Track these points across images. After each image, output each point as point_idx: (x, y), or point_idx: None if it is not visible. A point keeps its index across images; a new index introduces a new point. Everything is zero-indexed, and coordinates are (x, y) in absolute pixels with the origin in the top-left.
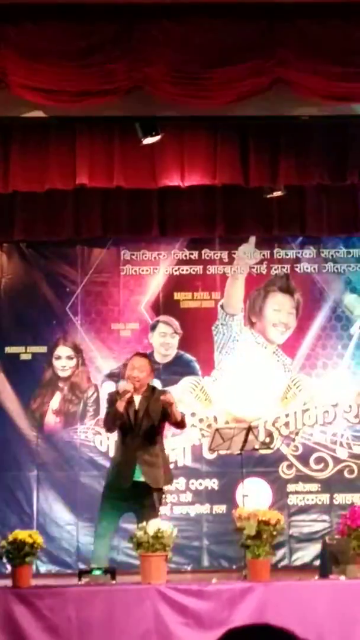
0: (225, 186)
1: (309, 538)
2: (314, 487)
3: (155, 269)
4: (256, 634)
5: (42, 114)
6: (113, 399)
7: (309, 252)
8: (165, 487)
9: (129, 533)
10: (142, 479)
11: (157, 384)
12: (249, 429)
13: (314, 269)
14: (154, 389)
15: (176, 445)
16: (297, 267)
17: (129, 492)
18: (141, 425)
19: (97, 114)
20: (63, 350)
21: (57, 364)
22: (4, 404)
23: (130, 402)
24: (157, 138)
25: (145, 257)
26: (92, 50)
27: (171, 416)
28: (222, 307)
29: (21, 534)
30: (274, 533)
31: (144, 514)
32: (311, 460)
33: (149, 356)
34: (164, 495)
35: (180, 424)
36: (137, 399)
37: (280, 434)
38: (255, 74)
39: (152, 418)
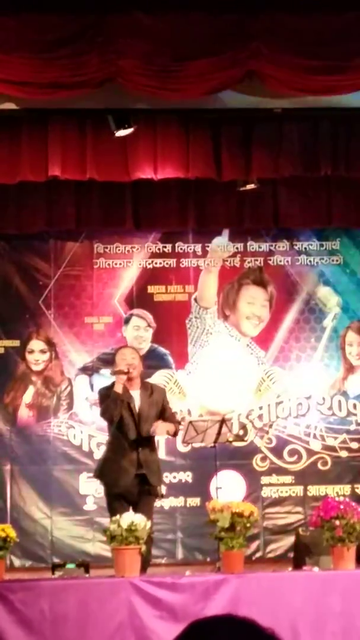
0: (198, 179)
1: (282, 530)
2: (288, 479)
3: (129, 262)
4: (219, 624)
5: (13, 106)
6: (105, 393)
7: (282, 244)
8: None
9: (103, 526)
10: (142, 471)
11: None
12: (223, 422)
13: (287, 261)
14: (150, 386)
15: None
16: (270, 259)
17: (132, 487)
18: (140, 424)
19: (70, 106)
20: (36, 344)
21: (30, 357)
22: None
23: (128, 397)
24: (130, 130)
25: (119, 250)
26: (63, 42)
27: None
28: (195, 300)
29: None
30: (248, 525)
31: (143, 500)
32: (285, 453)
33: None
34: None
35: (175, 435)
36: (135, 396)
37: (254, 427)
38: (228, 66)
39: (150, 420)
